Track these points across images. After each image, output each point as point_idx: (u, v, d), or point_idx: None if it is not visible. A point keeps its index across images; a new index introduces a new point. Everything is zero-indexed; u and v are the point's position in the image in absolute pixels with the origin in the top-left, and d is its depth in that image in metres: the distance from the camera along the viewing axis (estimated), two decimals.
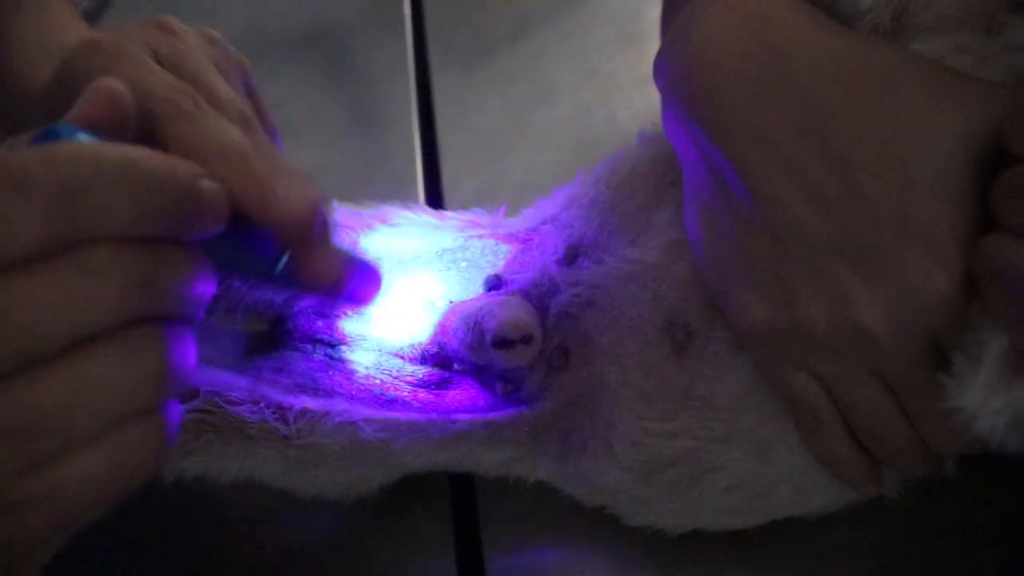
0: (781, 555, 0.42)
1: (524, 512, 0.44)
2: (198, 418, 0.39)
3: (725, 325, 0.37)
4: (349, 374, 0.43)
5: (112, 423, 0.26)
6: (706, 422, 0.37)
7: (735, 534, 0.41)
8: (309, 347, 0.44)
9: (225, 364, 0.43)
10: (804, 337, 0.33)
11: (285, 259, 0.31)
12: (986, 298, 0.29)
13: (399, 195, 0.48)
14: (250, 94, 0.41)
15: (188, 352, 0.28)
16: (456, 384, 0.43)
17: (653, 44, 0.38)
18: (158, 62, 0.34)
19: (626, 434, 0.38)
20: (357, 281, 0.33)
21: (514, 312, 0.39)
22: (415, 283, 0.43)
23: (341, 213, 0.45)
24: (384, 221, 0.44)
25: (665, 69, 0.36)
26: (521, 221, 0.45)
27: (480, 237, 0.45)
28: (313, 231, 0.31)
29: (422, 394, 0.42)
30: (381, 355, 0.42)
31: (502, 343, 0.39)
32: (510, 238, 0.45)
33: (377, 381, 0.43)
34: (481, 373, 0.42)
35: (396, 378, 0.42)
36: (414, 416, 0.40)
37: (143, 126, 0.30)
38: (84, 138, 0.27)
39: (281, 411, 0.39)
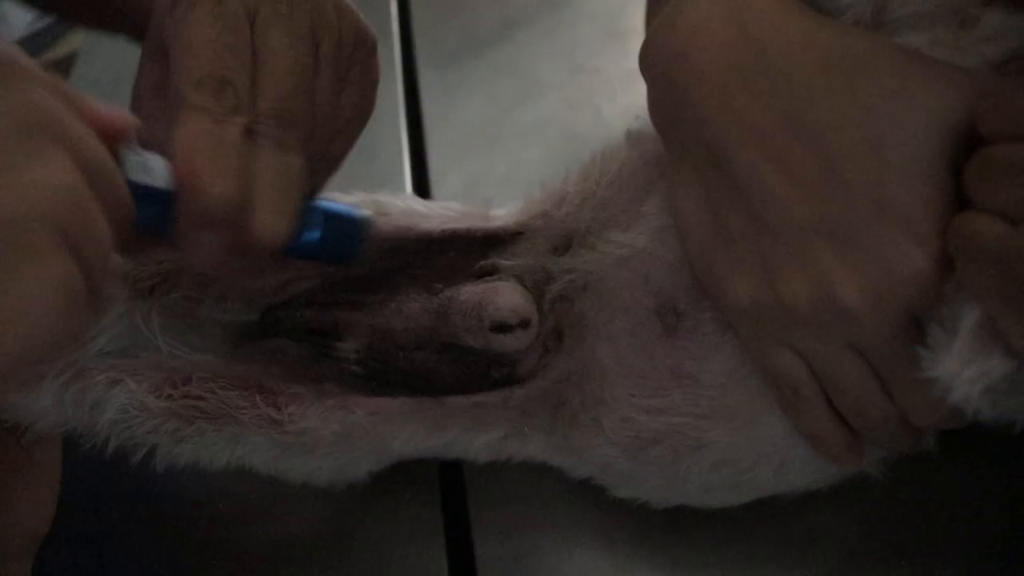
0: (766, 535, 0.42)
1: (513, 497, 0.44)
2: (191, 404, 0.39)
3: (713, 307, 0.38)
4: (339, 361, 0.43)
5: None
6: (694, 399, 0.38)
7: (721, 515, 0.42)
8: (299, 335, 0.44)
9: (216, 352, 0.43)
10: (786, 313, 0.34)
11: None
12: (960, 272, 0.30)
13: (387, 190, 0.48)
14: None
15: None
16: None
17: (636, 40, 0.39)
18: None
19: (616, 410, 0.39)
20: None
21: (511, 297, 0.40)
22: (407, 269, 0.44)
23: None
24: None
25: (652, 56, 0.37)
26: (513, 215, 0.46)
27: (469, 230, 0.45)
28: None
29: (412, 380, 0.43)
30: (372, 339, 0.43)
31: (500, 327, 0.40)
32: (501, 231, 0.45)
33: (365, 367, 0.43)
34: (474, 357, 0.43)
35: (385, 363, 0.43)
36: (404, 398, 0.40)
37: None
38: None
39: (272, 396, 0.40)
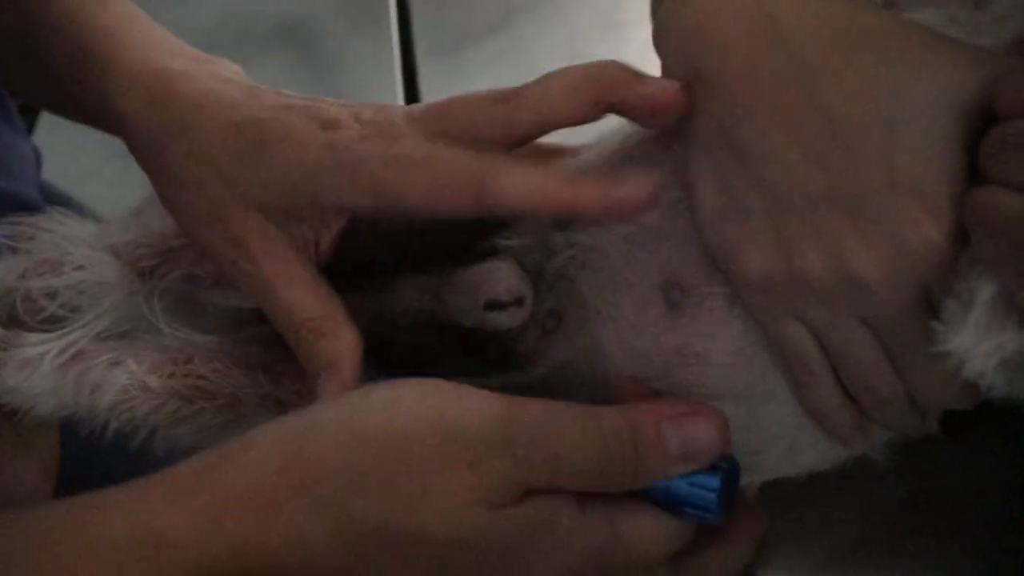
0: (769, 522, 0.42)
1: None
2: (192, 384, 0.39)
3: (720, 282, 0.37)
4: None
5: None
6: (700, 379, 0.38)
7: None
8: None
9: (219, 335, 0.43)
10: (798, 285, 0.34)
11: None
12: (976, 245, 0.30)
13: None
14: None
15: None
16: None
17: (635, 31, 0.39)
18: None
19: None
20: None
21: (504, 275, 0.40)
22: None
23: None
24: None
25: (667, 32, 0.37)
26: None
27: None
28: None
29: (412, 361, 0.43)
30: (371, 321, 0.43)
31: (494, 305, 0.40)
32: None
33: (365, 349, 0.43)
34: (473, 339, 0.42)
35: (385, 345, 0.43)
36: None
37: None
38: None
39: (275, 376, 0.40)
